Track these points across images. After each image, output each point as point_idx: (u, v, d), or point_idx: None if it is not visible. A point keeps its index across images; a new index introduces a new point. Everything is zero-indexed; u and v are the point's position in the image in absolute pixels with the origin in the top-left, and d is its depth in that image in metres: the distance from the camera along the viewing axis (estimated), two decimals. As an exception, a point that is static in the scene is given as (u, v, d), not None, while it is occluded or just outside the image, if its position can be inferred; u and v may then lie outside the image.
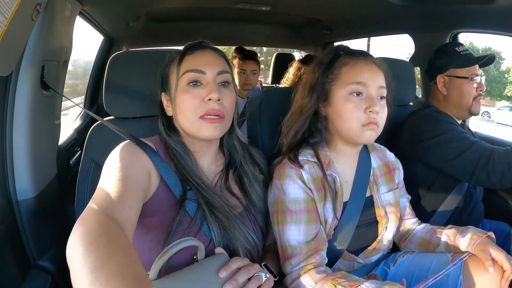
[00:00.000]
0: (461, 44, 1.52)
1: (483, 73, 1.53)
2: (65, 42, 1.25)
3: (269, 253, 1.03)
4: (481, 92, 1.45)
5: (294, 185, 0.99)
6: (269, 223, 1.04)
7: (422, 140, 1.35)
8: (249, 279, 0.77)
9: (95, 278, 0.49)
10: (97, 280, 0.48)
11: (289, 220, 0.97)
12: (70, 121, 2.14)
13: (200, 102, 0.90)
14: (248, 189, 1.02)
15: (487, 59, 1.45)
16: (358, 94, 0.99)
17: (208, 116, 0.90)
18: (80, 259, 0.52)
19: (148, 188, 0.85)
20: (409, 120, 1.47)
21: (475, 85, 1.44)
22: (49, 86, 1.14)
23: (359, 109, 0.98)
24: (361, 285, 0.82)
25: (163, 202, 0.88)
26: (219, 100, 0.90)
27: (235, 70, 2.42)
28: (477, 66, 1.46)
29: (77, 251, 0.54)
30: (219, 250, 0.83)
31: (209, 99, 0.89)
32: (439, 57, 1.53)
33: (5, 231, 1.04)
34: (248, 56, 2.48)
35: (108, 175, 0.78)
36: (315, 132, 1.08)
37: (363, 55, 1.04)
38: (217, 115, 0.90)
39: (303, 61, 2.50)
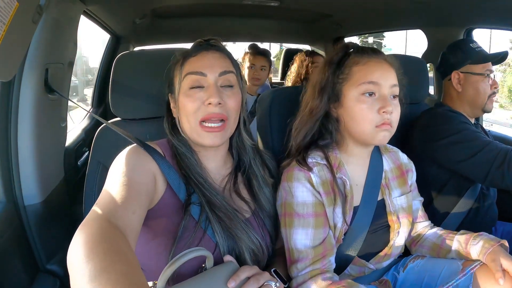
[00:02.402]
0: (475, 41, 1.47)
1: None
2: (69, 43, 1.24)
3: (279, 257, 1.01)
4: (494, 90, 1.41)
5: (302, 188, 0.97)
6: (278, 226, 1.02)
7: (435, 140, 1.31)
8: None
9: (94, 286, 0.48)
10: None
11: (296, 223, 0.95)
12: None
13: (200, 105, 0.89)
14: (257, 192, 1.00)
15: (501, 57, 1.42)
16: (371, 94, 0.96)
17: (208, 125, 0.88)
18: (79, 266, 0.52)
19: (154, 193, 0.85)
20: (421, 119, 1.43)
21: (490, 82, 1.40)
22: (54, 89, 1.12)
23: (372, 110, 0.95)
24: None
25: (170, 207, 0.87)
26: (220, 103, 0.88)
27: (246, 66, 2.43)
28: (490, 63, 1.42)
29: (77, 258, 0.53)
30: (228, 258, 0.82)
31: (209, 103, 0.88)
32: (454, 53, 1.49)
33: (13, 236, 1.04)
34: (259, 52, 2.48)
35: (112, 180, 0.77)
36: (325, 134, 1.06)
37: (374, 53, 1.01)
38: (218, 119, 0.89)
39: (306, 53, 2.47)
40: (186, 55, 0.95)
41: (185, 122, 0.92)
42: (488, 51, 1.46)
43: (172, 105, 0.98)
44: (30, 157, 1.09)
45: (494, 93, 1.41)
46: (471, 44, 1.45)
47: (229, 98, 0.91)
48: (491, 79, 1.41)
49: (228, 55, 0.97)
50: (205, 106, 0.88)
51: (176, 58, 0.97)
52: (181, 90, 0.92)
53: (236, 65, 0.98)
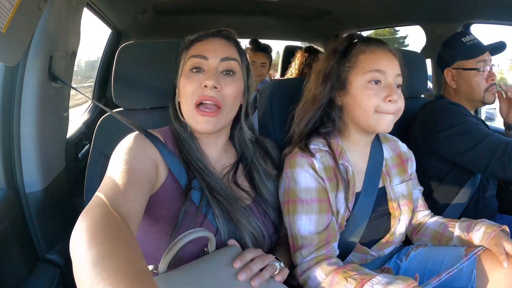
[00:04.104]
0: (468, 34, 1.46)
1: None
2: (72, 33, 1.24)
3: (280, 246, 1.02)
4: (492, 82, 1.40)
5: (305, 174, 0.97)
6: (282, 216, 1.02)
7: (436, 132, 1.32)
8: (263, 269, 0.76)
9: (97, 272, 0.48)
10: (99, 275, 0.48)
11: (300, 209, 0.95)
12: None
13: (197, 88, 0.89)
14: (258, 185, 1.00)
15: (498, 47, 1.41)
16: (377, 82, 0.97)
17: (203, 109, 0.89)
18: (82, 253, 0.52)
19: (155, 180, 0.85)
20: (422, 112, 1.44)
21: (485, 75, 1.40)
22: (58, 77, 1.13)
23: (379, 98, 0.96)
24: (372, 278, 0.80)
25: (170, 194, 0.87)
26: (216, 88, 0.88)
27: None
28: (486, 55, 1.41)
29: (79, 245, 0.54)
30: (231, 242, 0.83)
31: (205, 86, 0.88)
32: (446, 50, 1.50)
33: (13, 224, 1.03)
34: (259, 49, 2.49)
35: (114, 167, 0.77)
36: (328, 121, 1.06)
37: (380, 43, 1.02)
38: (212, 103, 0.88)
39: (308, 50, 2.48)
40: (193, 40, 0.96)
41: (184, 105, 0.93)
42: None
43: (177, 90, 0.98)
44: (32, 144, 1.09)
45: (492, 85, 1.40)
46: (462, 39, 1.44)
47: (227, 85, 0.90)
48: (487, 71, 1.40)
49: (235, 44, 0.98)
50: (201, 89, 0.88)
51: (185, 43, 0.98)
52: (183, 72, 0.93)
53: (242, 54, 0.98)
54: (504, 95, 1.46)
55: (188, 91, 0.90)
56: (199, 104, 0.89)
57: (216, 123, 0.90)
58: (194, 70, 0.91)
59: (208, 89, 0.88)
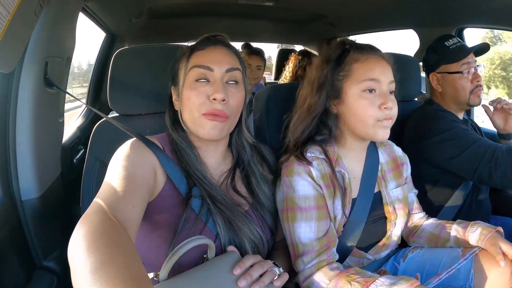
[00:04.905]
0: (452, 37, 1.47)
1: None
2: (68, 38, 1.23)
3: (277, 251, 1.02)
4: (477, 84, 1.40)
5: (303, 181, 0.98)
6: (278, 220, 1.02)
7: (426, 138, 1.33)
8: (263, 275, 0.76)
9: (95, 279, 0.49)
10: (97, 281, 0.48)
11: (299, 217, 0.96)
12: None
13: (205, 100, 0.89)
14: (255, 189, 1.01)
15: (481, 48, 1.43)
16: (371, 90, 0.97)
17: (210, 115, 0.89)
18: (80, 259, 0.52)
19: (153, 187, 0.85)
20: (412, 118, 1.45)
21: (470, 77, 1.40)
22: (53, 83, 1.12)
23: (374, 106, 0.96)
24: (376, 280, 0.81)
25: (170, 200, 0.87)
26: (224, 100, 0.88)
27: None
28: (470, 57, 1.41)
29: (78, 251, 0.54)
30: (230, 248, 0.83)
31: (214, 99, 0.88)
32: (430, 55, 1.51)
33: (10, 231, 1.02)
34: (254, 52, 2.53)
35: (112, 173, 0.77)
36: (324, 129, 1.07)
37: (372, 50, 1.02)
38: (220, 116, 0.89)
39: (302, 53, 2.49)
40: (193, 48, 0.95)
41: (187, 115, 0.92)
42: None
43: (174, 97, 0.98)
44: (28, 151, 1.07)
45: (477, 87, 1.40)
46: (446, 43, 1.45)
47: (233, 96, 0.91)
48: (471, 73, 1.40)
49: (235, 52, 0.98)
50: (209, 101, 0.88)
51: (183, 50, 0.97)
52: (186, 82, 0.92)
53: (242, 62, 0.98)
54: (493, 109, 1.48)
55: (194, 103, 0.89)
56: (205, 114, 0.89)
57: (222, 129, 0.91)
58: (198, 80, 0.90)
59: (217, 102, 0.88)
